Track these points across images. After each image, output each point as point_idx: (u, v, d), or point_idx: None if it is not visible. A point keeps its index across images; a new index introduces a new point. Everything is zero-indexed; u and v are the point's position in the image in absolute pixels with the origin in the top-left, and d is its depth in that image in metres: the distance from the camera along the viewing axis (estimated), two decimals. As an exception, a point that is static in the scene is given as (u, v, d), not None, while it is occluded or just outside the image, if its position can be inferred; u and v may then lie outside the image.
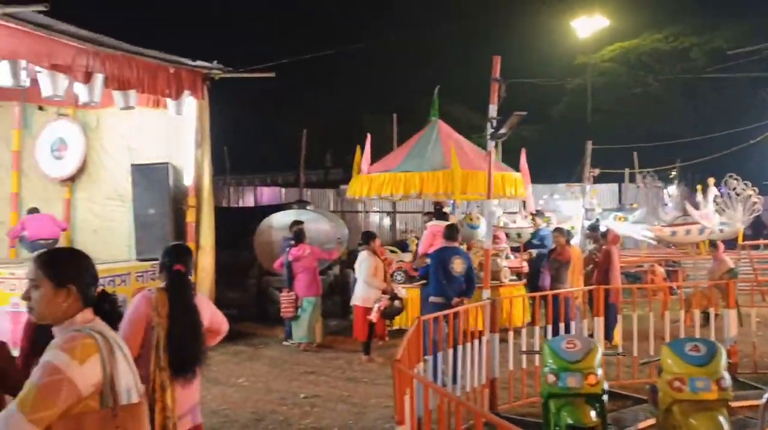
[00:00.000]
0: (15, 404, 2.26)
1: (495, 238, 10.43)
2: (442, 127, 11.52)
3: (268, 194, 20.65)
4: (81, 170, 10.83)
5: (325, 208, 17.35)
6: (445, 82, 13.09)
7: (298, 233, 9.95)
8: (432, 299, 7.61)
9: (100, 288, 2.59)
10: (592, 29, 27.75)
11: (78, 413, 2.29)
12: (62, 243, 10.04)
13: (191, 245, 9.34)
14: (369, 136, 11.28)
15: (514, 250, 11.41)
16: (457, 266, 7.59)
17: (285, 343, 9.89)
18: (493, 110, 6.70)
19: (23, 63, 7.33)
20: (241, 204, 19.38)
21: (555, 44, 30.36)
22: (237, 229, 12.18)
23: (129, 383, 2.46)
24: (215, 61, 9.82)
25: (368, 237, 9.30)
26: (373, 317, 8.79)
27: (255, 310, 11.89)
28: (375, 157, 11.43)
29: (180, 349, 3.70)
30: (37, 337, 4.83)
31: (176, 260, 3.90)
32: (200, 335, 3.83)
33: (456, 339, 6.21)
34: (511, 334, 6.98)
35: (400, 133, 15.87)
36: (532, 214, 12.20)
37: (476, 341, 6.42)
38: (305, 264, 9.70)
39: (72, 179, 10.90)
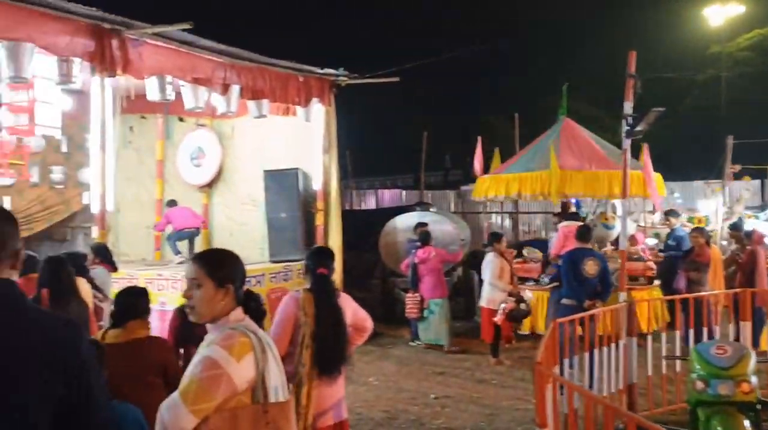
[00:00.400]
0: (178, 395, 2.40)
1: (632, 238, 10.02)
2: (565, 126, 11.22)
3: (389, 197, 20.89)
4: (217, 177, 11.37)
5: (446, 210, 17.33)
6: (570, 78, 12.72)
7: (423, 235, 9.99)
8: (564, 301, 7.46)
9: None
10: (726, 16, 26.12)
11: (232, 407, 2.41)
12: (202, 241, 10.63)
13: (320, 247, 9.63)
14: (480, 138, 11.27)
15: (661, 251, 10.87)
16: (590, 267, 7.38)
17: (411, 343, 9.98)
18: (628, 107, 6.47)
19: (169, 78, 7.84)
20: (363, 207, 19.71)
21: (685, 34, 28.78)
22: (360, 231, 12.42)
23: (277, 382, 2.55)
24: (341, 68, 10.08)
25: (494, 238, 9.23)
26: (498, 319, 8.70)
27: (380, 310, 12.06)
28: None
29: (325, 348, 3.84)
30: (182, 334, 5.21)
31: (319, 264, 4.06)
32: (344, 335, 3.95)
33: (592, 343, 6.04)
34: (649, 338, 6.68)
35: (523, 132, 15.56)
36: (665, 213, 11.63)
37: (613, 345, 6.22)
38: (430, 266, 9.73)
39: (209, 185, 11.45)
